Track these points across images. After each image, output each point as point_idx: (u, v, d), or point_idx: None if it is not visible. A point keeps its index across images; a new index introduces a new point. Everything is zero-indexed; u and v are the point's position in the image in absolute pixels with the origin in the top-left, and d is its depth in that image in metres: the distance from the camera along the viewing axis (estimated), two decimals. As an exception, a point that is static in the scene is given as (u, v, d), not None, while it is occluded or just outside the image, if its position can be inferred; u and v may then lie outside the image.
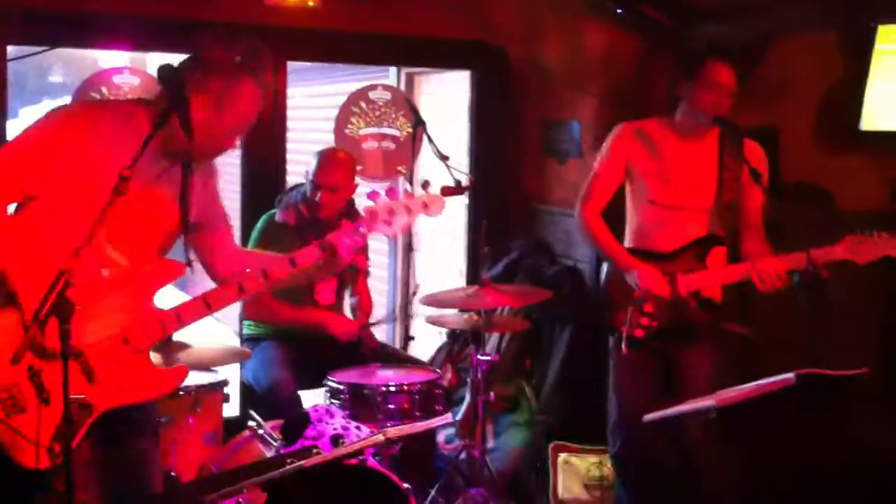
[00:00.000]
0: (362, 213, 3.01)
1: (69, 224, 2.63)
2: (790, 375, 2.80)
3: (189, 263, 2.96)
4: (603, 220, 3.82)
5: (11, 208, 2.70)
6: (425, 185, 3.07)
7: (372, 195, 2.97)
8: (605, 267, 3.88)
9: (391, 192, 3.05)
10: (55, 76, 11.48)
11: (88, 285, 2.58)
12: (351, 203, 4.43)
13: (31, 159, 2.62)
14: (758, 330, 4.48)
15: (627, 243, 3.86)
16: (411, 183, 4.78)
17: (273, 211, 4.44)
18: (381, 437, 2.82)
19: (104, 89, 4.74)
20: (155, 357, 3.07)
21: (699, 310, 3.73)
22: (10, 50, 4.59)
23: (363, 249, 4.35)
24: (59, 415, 2.39)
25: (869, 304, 4.48)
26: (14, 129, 4.60)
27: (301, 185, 4.45)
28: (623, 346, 3.69)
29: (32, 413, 2.54)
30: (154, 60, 6.96)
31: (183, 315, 2.80)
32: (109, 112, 2.78)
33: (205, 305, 2.82)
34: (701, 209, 3.74)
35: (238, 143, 2.85)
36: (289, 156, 5.31)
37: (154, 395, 2.81)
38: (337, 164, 4.31)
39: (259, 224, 4.44)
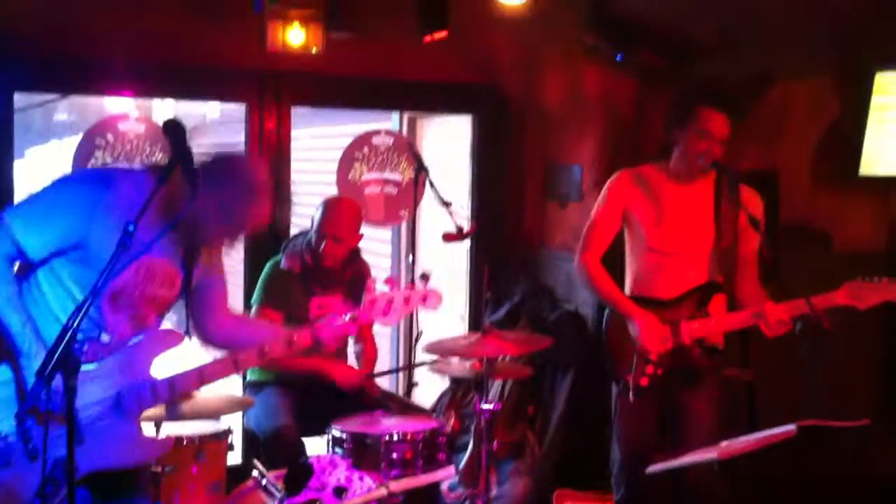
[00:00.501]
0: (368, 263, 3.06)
1: (79, 291, 2.71)
2: (792, 427, 2.81)
3: (188, 332, 3.01)
4: (603, 266, 3.83)
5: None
6: (425, 277, 3.13)
7: (371, 283, 3.03)
8: (606, 313, 3.89)
9: (391, 282, 3.10)
10: (61, 115, 11.57)
11: (89, 349, 2.61)
12: (356, 253, 4.45)
13: (34, 226, 2.67)
14: (759, 374, 4.49)
15: (628, 290, 3.87)
16: (413, 233, 4.80)
17: (278, 258, 4.46)
18: (384, 492, 2.82)
19: (110, 136, 4.77)
20: (157, 408, 3.08)
21: (702, 356, 3.74)
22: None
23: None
24: (43, 472, 2.45)
25: (866, 349, 4.50)
26: (20, 168, 4.65)
27: (306, 231, 4.47)
28: (630, 395, 3.70)
29: (18, 468, 2.58)
30: (159, 105, 7.04)
31: (177, 385, 2.86)
32: (116, 182, 2.80)
33: (199, 377, 2.89)
34: (699, 254, 3.76)
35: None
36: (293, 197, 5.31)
37: (138, 460, 2.87)
38: (342, 214, 4.34)
39: (265, 271, 4.46)
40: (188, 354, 3.06)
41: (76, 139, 4.87)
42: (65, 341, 2.29)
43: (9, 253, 2.65)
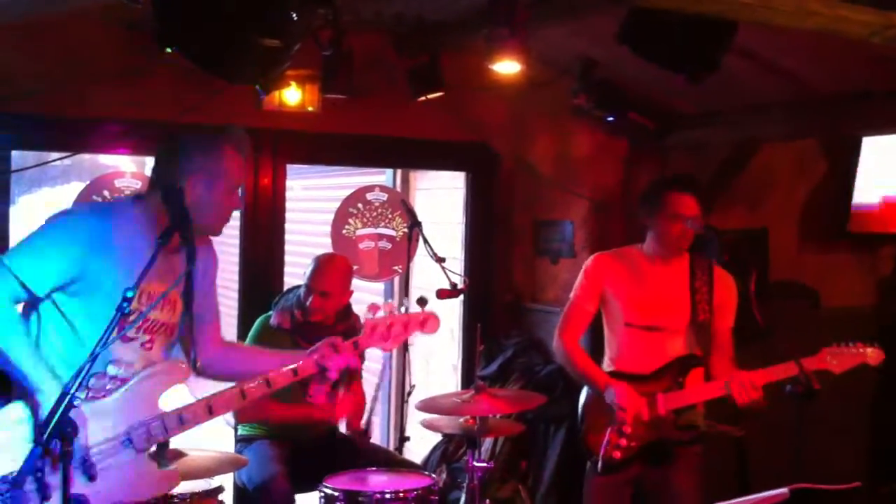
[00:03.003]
0: (360, 318, 3.09)
1: (82, 323, 2.74)
2: (784, 490, 2.81)
3: (194, 365, 3.04)
4: (581, 347, 3.91)
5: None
6: (421, 302, 3.15)
7: (371, 308, 3.05)
8: (583, 393, 3.92)
9: (389, 308, 3.12)
10: (53, 163, 11.58)
11: (96, 384, 2.67)
12: (348, 308, 4.48)
13: (35, 263, 2.70)
14: (749, 432, 4.51)
15: (607, 368, 3.91)
16: (406, 285, 4.83)
17: (268, 314, 4.49)
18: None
19: (106, 192, 4.82)
20: (150, 464, 3.08)
21: (678, 429, 3.76)
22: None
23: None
24: None
25: (855, 410, 4.54)
26: (14, 216, 4.67)
27: (297, 287, 4.51)
28: (598, 467, 3.70)
29: None
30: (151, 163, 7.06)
31: (185, 418, 2.86)
32: (109, 213, 2.90)
33: (207, 410, 2.90)
34: (677, 329, 3.83)
35: (240, 202, 3.08)
36: (287, 246, 5.36)
37: (149, 495, 2.85)
38: (332, 271, 4.39)
39: (254, 328, 4.50)
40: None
41: (68, 188, 4.91)
42: (62, 407, 2.31)
43: (13, 293, 2.68)
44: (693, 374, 3.79)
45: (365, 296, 5.10)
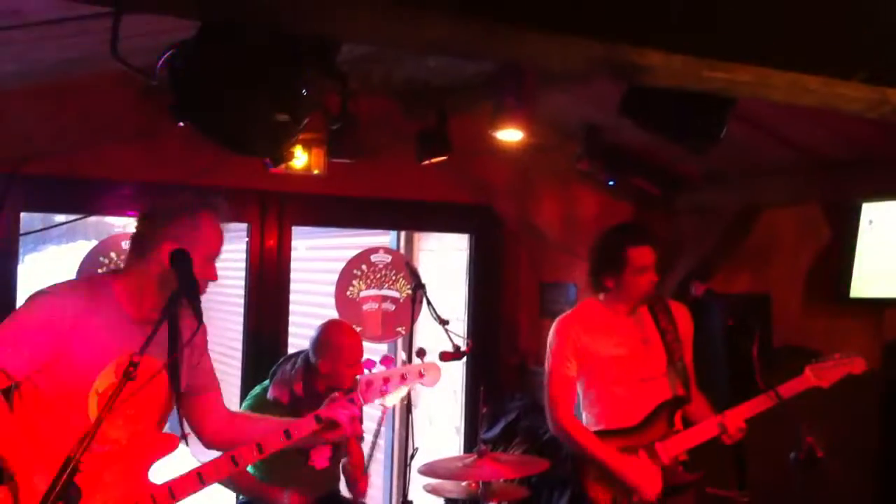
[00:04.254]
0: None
1: (61, 403, 2.71)
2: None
3: (184, 437, 3.01)
4: (579, 422, 3.82)
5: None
6: (420, 353, 3.12)
7: (367, 364, 3.03)
8: (573, 464, 3.82)
9: (386, 361, 3.10)
10: (59, 219, 11.65)
11: (85, 461, 2.61)
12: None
13: (13, 345, 2.68)
14: (754, 494, 4.48)
15: (594, 426, 3.85)
16: (410, 346, 4.84)
17: (265, 385, 4.32)
18: None
19: (113, 254, 4.84)
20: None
21: (684, 472, 3.78)
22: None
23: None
24: None
25: (859, 471, 4.51)
26: (20, 274, 4.68)
27: (295, 356, 4.37)
28: None
29: None
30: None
31: (175, 490, 2.83)
32: (85, 291, 2.84)
33: (198, 480, 2.87)
34: (660, 376, 3.83)
35: (216, 275, 2.94)
36: (291, 307, 5.36)
37: None
38: (356, 344, 4.22)
39: (249, 399, 4.34)
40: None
41: (74, 245, 4.92)
42: (67, 471, 2.32)
43: None
44: (679, 416, 3.81)
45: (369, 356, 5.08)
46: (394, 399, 3.11)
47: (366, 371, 3.05)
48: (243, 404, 4.40)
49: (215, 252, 2.90)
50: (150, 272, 2.81)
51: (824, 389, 3.72)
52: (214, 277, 2.91)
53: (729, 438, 3.71)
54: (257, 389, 4.36)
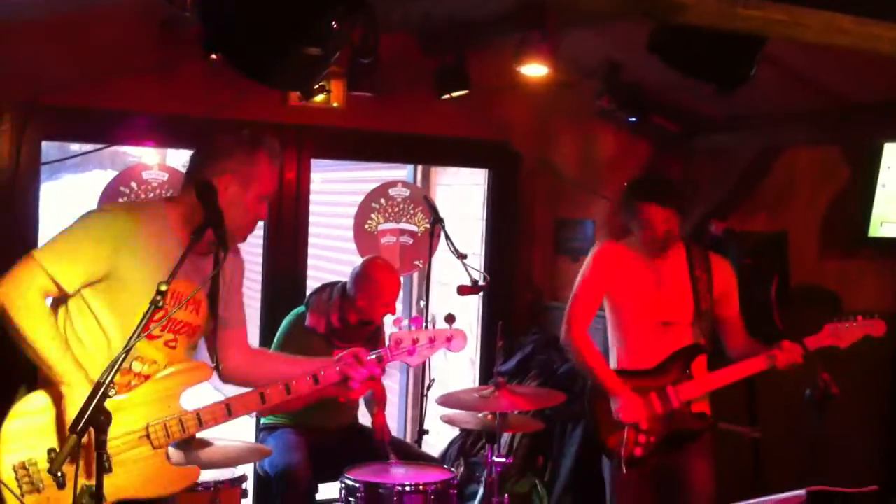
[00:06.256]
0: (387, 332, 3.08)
1: (108, 320, 2.78)
2: (801, 493, 2.86)
3: (217, 367, 3.08)
4: (592, 341, 3.91)
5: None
6: (450, 318, 3.18)
7: (397, 322, 3.08)
8: (588, 389, 3.95)
9: (416, 322, 3.15)
10: (74, 148, 11.67)
11: (120, 377, 2.68)
12: None
13: (68, 259, 2.74)
14: (766, 433, 4.55)
15: (614, 364, 3.96)
16: (427, 280, 4.87)
17: (302, 311, 4.49)
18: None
19: (134, 184, 4.86)
20: (175, 454, 3.14)
21: (694, 418, 3.84)
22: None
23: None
24: (70, 501, 2.51)
25: (874, 411, 4.56)
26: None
27: (331, 285, 4.51)
28: (623, 468, 3.78)
29: (46, 494, 2.66)
30: (172, 154, 7.12)
31: (204, 417, 2.90)
32: (142, 213, 2.92)
33: (226, 411, 2.94)
34: (682, 322, 3.88)
35: (266, 213, 3.04)
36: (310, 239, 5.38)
37: (165, 492, 2.88)
38: (394, 282, 4.41)
39: (286, 324, 4.50)
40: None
41: (90, 174, 4.93)
42: (97, 397, 2.37)
43: (43, 286, 2.73)
44: (697, 363, 3.86)
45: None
46: (418, 360, 3.17)
47: (395, 328, 3.10)
48: (280, 329, 4.51)
49: (269, 191, 2.98)
50: None
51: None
52: (265, 216, 3.01)
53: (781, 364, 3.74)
54: (293, 315, 4.50)
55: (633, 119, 4.88)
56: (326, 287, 4.55)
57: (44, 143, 4.66)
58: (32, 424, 2.70)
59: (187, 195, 2.90)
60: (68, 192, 10.75)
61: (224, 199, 2.82)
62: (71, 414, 2.60)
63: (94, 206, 4.69)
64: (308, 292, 4.69)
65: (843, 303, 4.96)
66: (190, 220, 2.85)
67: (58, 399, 2.68)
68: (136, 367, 2.83)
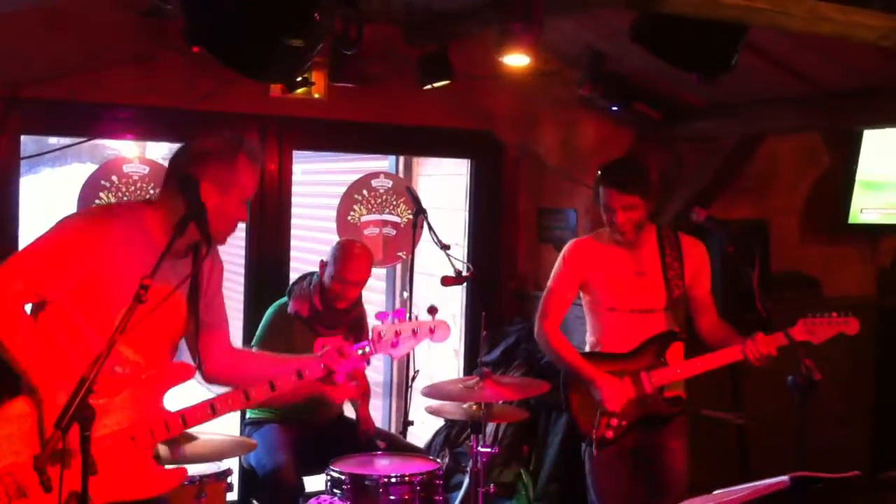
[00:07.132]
0: (369, 322, 3.09)
1: (86, 326, 2.76)
2: (784, 478, 2.87)
3: (199, 366, 3.07)
4: (562, 334, 3.98)
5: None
6: (432, 310, 3.19)
7: (380, 315, 3.08)
8: (562, 377, 4.00)
9: (398, 314, 3.15)
10: (52, 142, 11.57)
11: (102, 381, 2.63)
12: (359, 296, 4.52)
13: (45, 266, 2.72)
14: (750, 419, 4.59)
15: (588, 348, 4.03)
16: (411, 271, 4.87)
17: (284, 301, 4.50)
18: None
19: (114, 177, 4.81)
20: (161, 448, 3.12)
21: (665, 403, 3.88)
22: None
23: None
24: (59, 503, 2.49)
25: (857, 395, 4.60)
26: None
27: (311, 273, 4.52)
28: (594, 449, 3.83)
29: (33, 499, 2.64)
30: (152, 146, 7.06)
31: (188, 418, 2.89)
32: (120, 218, 2.89)
33: (210, 410, 2.92)
34: (658, 309, 3.91)
35: (247, 215, 3.00)
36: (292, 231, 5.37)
37: (151, 493, 2.87)
38: (362, 259, 4.42)
39: (269, 314, 4.51)
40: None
41: (68, 168, 4.89)
42: (81, 392, 2.36)
43: (20, 294, 2.71)
44: (672, 349, 3.89)
45: (371, 282, 5.12)
46: (401, 353, 3.17)
47: (378, 323, 3.09)
48: (263, 320, 4.52)
49: (249, 194, 2.95)
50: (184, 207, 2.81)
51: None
52: (245, 218, 2.97)
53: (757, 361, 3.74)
54: (276, 305, 4.52)
55: (616, 107, 4.89)
56: (306, 276, 4.58)
57: (21, 137, 4.62)
58: (16, 430, 2.67)
59: (166, 198, 2.89)
60: (47, 185, 10.67)
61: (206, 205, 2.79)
62: (52, 420, 2.58)
63: (73, 199, 4.73)
64: (291, 284, 4.68)
65: (824, 288, 5.00)
66: (168, 223, 2.81)
67: (40, 405, 2.66)
68: (118, 370, 2.81)
